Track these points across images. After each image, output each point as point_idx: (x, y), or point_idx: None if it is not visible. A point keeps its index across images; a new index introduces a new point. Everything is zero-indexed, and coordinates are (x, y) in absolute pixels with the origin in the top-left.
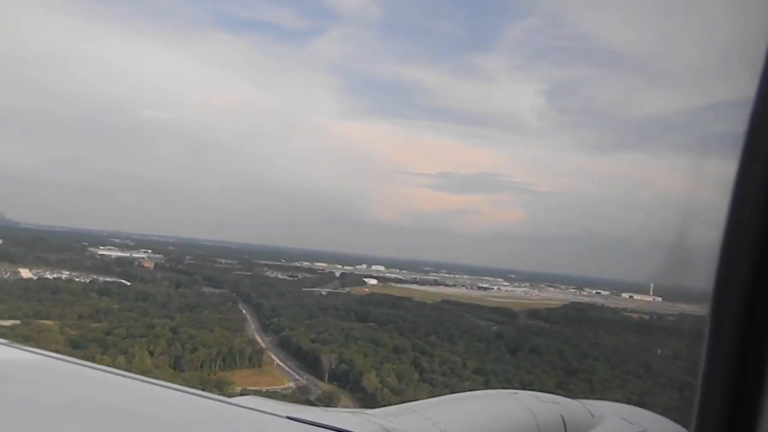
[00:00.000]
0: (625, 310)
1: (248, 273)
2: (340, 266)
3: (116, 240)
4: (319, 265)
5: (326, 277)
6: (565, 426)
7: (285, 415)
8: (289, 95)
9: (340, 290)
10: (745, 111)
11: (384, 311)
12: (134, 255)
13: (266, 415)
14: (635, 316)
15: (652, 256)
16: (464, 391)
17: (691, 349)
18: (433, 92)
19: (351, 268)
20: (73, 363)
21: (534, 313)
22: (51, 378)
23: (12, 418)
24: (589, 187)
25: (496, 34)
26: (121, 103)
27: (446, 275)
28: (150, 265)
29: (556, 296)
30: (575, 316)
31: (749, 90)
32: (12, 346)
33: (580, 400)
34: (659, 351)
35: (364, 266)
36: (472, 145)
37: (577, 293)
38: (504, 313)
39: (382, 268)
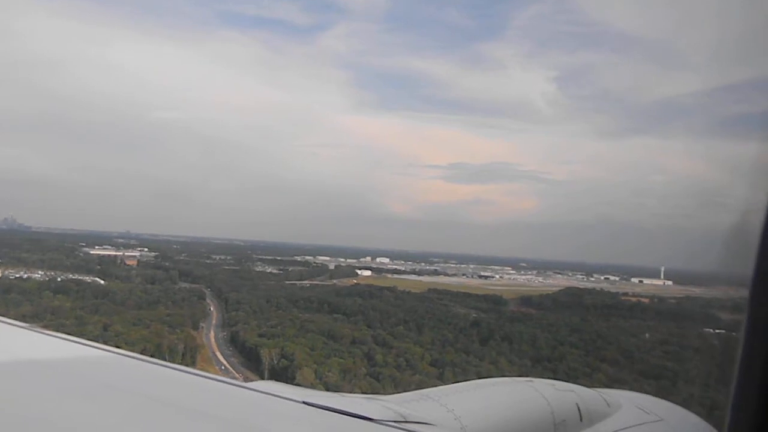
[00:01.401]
0: (626, 294)
1: (236, 268)
2: (343, 259)
3: (121, 240)
4: (322, 258)
5: (319, 270)
6: (580, 414)
7: (301, 399)
8: (298, 91)
9: (326, 282)
10: (760, 92)
11: (358, 302)
12: (127, 254)
13: (283, 399)
14: (634, 299)
15: (666, 241)
16: (410, 385)
17: (685, 332)
18: (443, 83)
19: (354, 260)
20: (94, 347)
21: (525, 300)
22: (70, 362)
23: (36, 401)
24: (603, 173)
25: (504, 23)
26: (131, 104)
27: (453, 265)
28: (134, 263)
29: (560, 283)
30: (566, 301)
31: (764, 71)
32: (33, 330)
33: (596, 389)
34: (647, 335)
35: (368, 258)
36: (484, 135)
37: (585, 279)
38: (492, 301)
39: (386, 260)
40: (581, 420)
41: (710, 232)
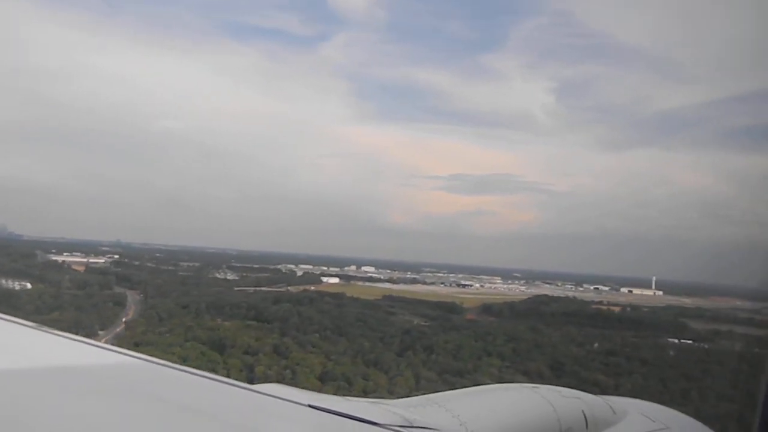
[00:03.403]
0: (600, 302)
1: (190, 274)
2: (325, 267)
3: (105, 248)
4: (304, 266)
5: (283, 277)
6: (586, 421)
7: (306, 403)
8: (299, 101)
9: (279, 289)
10: (763, 104)
11: (285, 307)
12: (91, 260)
13: (287, 402)
14: (605, 308)
15: (667, 253)
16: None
17: (641, 342)
18: (443, 94)
19: (337, 269)
20: (100, 347)
21: (486, 308)
22: (78, 362)
23: (42, 402)
24: (605, 185)
25: (504, 34)
26: (132, 113)
27: (441, 275)
28: (82, 268)
29: (542, 292)
30: (526, 309)
31: (766, 83)
32: (41, 330)
33: (602, 396)
34: (596, 344)
35: (354, 267)
36: (485, 146)
37: (574, 289)
38: (446, 308)
39: (372, 268)
40: (587, 427)
41: (712, 243)
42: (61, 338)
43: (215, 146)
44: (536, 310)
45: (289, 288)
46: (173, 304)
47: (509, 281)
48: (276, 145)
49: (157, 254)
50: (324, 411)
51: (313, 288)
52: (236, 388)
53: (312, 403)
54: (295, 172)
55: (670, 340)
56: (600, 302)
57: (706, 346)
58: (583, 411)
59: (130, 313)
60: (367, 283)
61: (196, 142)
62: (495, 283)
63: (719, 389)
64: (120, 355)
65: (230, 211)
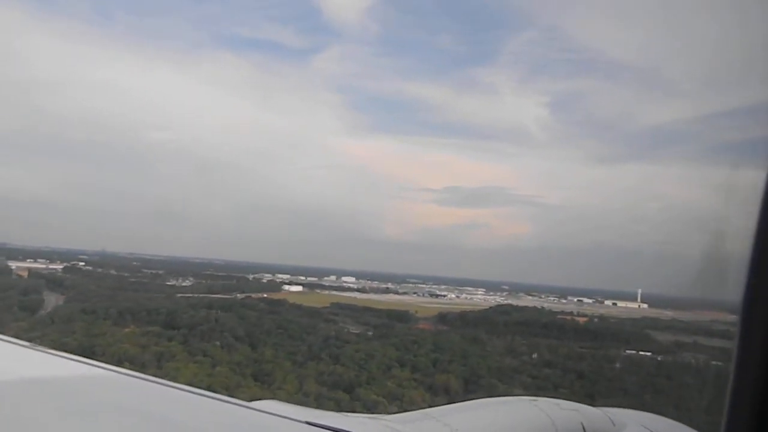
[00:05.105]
0: (569, 313)
1: (134, 280)
2: (303, 278)
3: (85, 257)
4: (281, 276)
5: (243, 286)
6: None
7: (304, 420)
8: (292, 113)
9: (226, 296)
10: (754, 118)
11: (203, 314)
12: (50, 266)
13: (285, 419)
14: (568, 319)
15: (658, 267)
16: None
17: (588, 353)
18: (436, 107)
19: (315, 279)
20: (93, 366)
21: (440, 317)
22: (72, 380)
23: (36, 420)
24: (597, 199)
25: (496, 48)
26: (124, 124)
27: (423, 286)
28: (25, 273)
29: (519, 303)
30: (476, 318)
31: (757, 97)
32: (35, 349)
33: (601, 408)
34: (534, 355)
35: (333, 277)
36: (477, 159)
37: (557, 301)
38: (395, 317)
39: (352, 279)
40: None
41: (703, 257)
42: (56, 357)
43: (208, 157)
44: (490, 319)
45: (237, 295)
46: (78, 310)
47: (492, 293)
48: (268, 156)
49: (134, 263)
50: (321, 428)
51: (265, 295)
52: (233, 406)
53: (309, 420)
54: (287, 184)
55: (628, 351)
56: (570, 313)
57: (660, 358)
58: (582, 423)
59: (30, 318)
60: (334, 292)
61: (189, 153)
62: (475, 295)
63: (655, 406)
64: (116, 373)
65: (222, 222)
